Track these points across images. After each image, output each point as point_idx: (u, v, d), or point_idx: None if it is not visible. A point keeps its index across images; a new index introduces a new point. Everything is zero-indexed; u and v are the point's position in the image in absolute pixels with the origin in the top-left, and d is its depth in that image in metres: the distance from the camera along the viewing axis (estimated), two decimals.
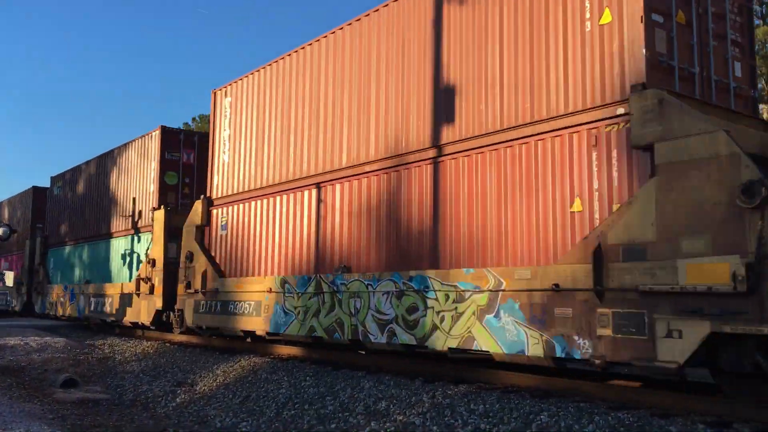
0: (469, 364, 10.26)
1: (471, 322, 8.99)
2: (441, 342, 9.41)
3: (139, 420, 10.08)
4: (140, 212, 19.69)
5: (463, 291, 9.17)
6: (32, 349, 17.22)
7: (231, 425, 9.37)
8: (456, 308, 9.24)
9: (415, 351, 10.33)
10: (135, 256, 19.73)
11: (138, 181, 19.98)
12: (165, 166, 18.97)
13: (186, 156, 19.35)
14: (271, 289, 13.19)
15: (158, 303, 17.65)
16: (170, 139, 19.14)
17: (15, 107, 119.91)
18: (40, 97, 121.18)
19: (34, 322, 26.41)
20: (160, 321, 18.08)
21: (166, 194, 18.88)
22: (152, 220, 18.45)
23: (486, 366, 10.03)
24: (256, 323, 13.52)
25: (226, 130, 15.91)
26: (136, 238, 19.83)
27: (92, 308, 21.67)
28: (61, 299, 24.56)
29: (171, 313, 17.64)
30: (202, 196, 16.31)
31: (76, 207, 24.54)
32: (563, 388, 8.47)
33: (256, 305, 13.61)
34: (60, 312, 24.55)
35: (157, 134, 19.13)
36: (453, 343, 9.23)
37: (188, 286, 16.09)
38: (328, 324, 11.61)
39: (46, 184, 30.50)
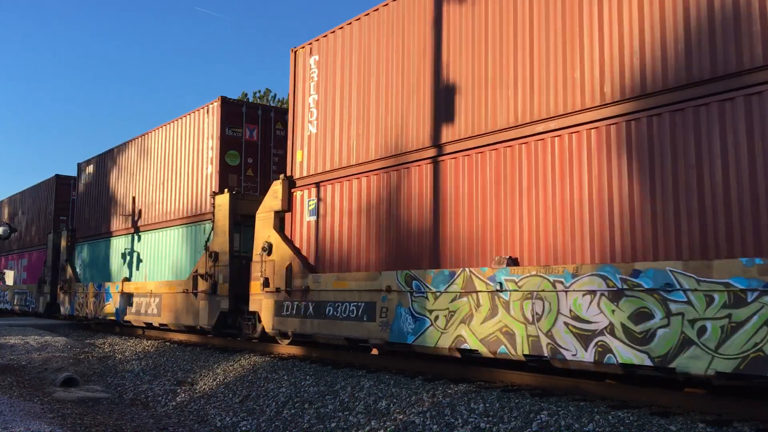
0: (469, 364, 9.92)
1: (761, 336, 6.21)
2: (701, 364, 6.62)
3: (140, 419, 9.98)
4: (195, 199, 16.96)
5: (742, 290, 6.39)
6: (32, 348, 16.99)
7: (231, 424, 9.33)
8: (730, 316, 6.45)
9: (637, 374, 7.54)
10: (193, 248, 16.99)
11: (192, 162, 17.24)
12: (225, 144, 16.21)
13: (249, 132, 16.60)
14: (390, 287, 10.44)
15: (223, 304, 14.90)
16: (231, 112, 16.39)
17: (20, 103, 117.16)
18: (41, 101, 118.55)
19: (33, 321, 25.46)
20: (225, 325, 15.35)
21: (227, 177, 16.13)
22: (212, 206, 15.71)
23: (486, 365, 9.77)
24: (369, 330, 10.76)
25: (312, 95, 13.14)
26: (192, 228, 17.08)
27: (134, 309, 18.93)
28: (94, 299, 21.83)
29: (238, 317, 14.90)
30: (281, 176, 13.55)
31: (111, 195, 21.81)
32: (563, 387, 8.37)
33: (368, 307, 10.85)
34: (92, 314, 21.81)
35: (216, 107, 16.37)
36: (725, 366, 6.45)
37: (266, 283, 13.34)
38: (487, 334, 8.83)
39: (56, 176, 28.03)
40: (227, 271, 14.88)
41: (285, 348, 13.71)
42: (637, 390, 7.70)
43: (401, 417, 8.07)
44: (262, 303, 13.51)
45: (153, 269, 18.69)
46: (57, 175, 28.12)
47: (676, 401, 7.23)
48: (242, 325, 14.71)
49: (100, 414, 10.25)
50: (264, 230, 13.70)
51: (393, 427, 7.84)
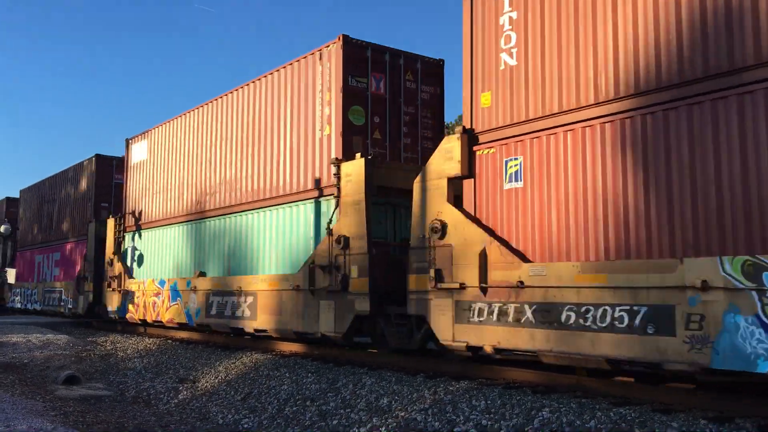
0: (471, 361, 9.83)
1: None
2: None
3: (142, 417, 9.98)
4: (301, 171, 13.24)
5: None
6: (34, 346, 17.02)
7: (233, 422, 9.33)
8: None
9: None
10: (296, 232, 13.27)
11: (295, 125, 13.51)
12: (349, 98, 12.46)
13: (375, 84, 12.84)
14: (707, 282, 6.67)
15: (359, 304, 11.17)
16: (355, 56, 12.64)
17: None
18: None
19: (35, 319, 25.50)
20: (358, 331, 11.64)
21: (351, 140, 12.39)
22: (336, 177, 11.97)
23: (487, 362, 9.70)
24: (662, 348, 6.98)
25: (506, 12, 9.39)
26: (296, 208, 13.36)
27: (214, 311, 15.24)
28: (153, 299, 18.16)
29: (381, 321, 11.19)
30: (458, 128, 9.79)
31: (175, 173, 18.10)
32: (565, 384, 8.30)
33: (656, 313, 7.07)
34: (152, 317, 18.12)
35: (335, 49, 12.61)
36: None
37: (438, 277, 9.62)
38: None
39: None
40: (366, 262, 11.14)
41: (286, 345, 13.42)
42: (639, 387, 7.67)
43: (403, 414, 8.03)
44: (430, 304, 9.79)
45: (238, 261, 15.00)
46: (97, 155, 24.47)
47: (677, 398, 7.16)
48: (388, 332, 10.99)
49: (102, 412, 10.20)
50: (431, 204, 9.98)
51: (395, 424, 7.79)
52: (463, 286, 9.27)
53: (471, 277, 9.17)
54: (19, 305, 31.93)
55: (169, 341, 16.83)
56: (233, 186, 15.35)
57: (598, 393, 7.80)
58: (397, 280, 11.07)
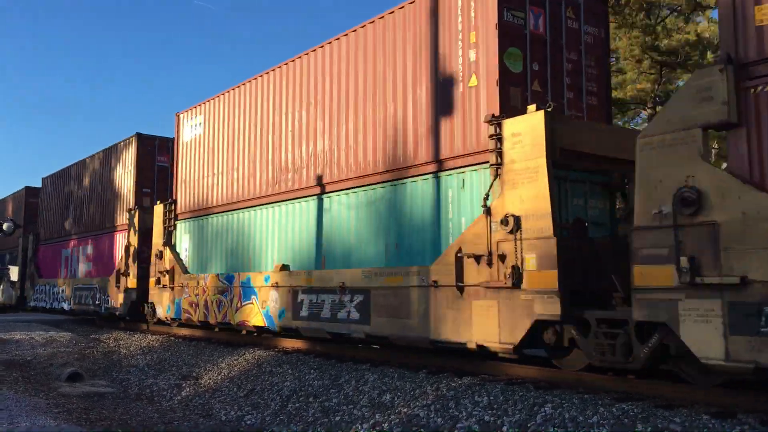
0: (473, 358, 9.74)
1: None
2: None
3: (145, 413, 9.97)
4: (428, 135, 10.36)
5: None
6: (37, 344, 16.91)
7: (236, 418, 9.37)
8: None
9: None
10: (430, 213, 10.42)
11: (431, 70, 10.62)
12: (505, 37, 9.55)
13: (533, 20, 9.95)
14: None
15: (543, 306, 8.25)
16: None
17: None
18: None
19: (38, 317, 25.39)
20: (533, 341, 8.75)
21: (508, 92, 9.50)
22: (496, 139, 9.08)
23: (489, 359, 9.53)
24: None
25: None
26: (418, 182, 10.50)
27: (305, 312, 12.39)
28: (218, 297, 15.33)
29: (572, 329, 8.29)
30: (713, 59, 6.91)
31: (243, 149, 15.24)
32: (567, 380, 8.26)
33: None
34: (216, 318, 15.29)
35: None
36: None
37: (694, 269, 6.73)
38: None
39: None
40: (551, 248, 8.23)
41: (289, 342, 13.39)
42: (642, 383, 7.63)
43: (406, 410, 7.99)
44: (678, 307, 6.90)
45: (335, 251, 12.16)
46: (138, 134, 21.64)
47: (680, 394, 7.13)
48: (587, 344, 8.10)
49: (105, 409, 10.22)
50: (674, 166, 7.08)
51: (397, 420, 7.76)
52: (745, 282, 6.38)
53: (761, 267, 6.29)
54: (44, 304, 29.18)
55: (172, 338, 16.72)
56: (328, 160, 12.50)
57: (600, 389, 7.71)
58: (578, 273, 8.30)
